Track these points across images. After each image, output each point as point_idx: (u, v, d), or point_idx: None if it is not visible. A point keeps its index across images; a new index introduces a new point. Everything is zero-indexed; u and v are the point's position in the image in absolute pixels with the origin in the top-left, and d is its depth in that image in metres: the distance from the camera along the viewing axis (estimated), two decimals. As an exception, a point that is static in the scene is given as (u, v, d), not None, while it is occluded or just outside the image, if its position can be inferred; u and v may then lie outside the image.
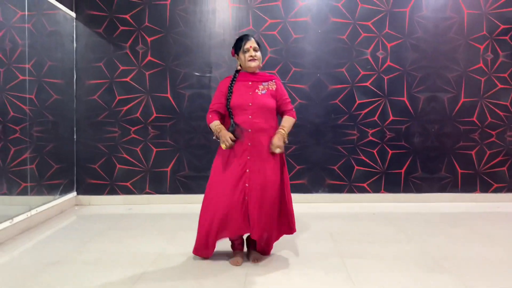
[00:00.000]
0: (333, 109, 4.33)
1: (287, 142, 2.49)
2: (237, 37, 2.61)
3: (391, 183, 4.39)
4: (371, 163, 4.37)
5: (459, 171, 4.42)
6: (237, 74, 2.51)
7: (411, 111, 4.37)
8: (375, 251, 2.78)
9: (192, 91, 4.26)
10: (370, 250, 2.79)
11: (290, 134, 4.31)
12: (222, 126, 2.46)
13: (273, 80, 2.54)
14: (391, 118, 4.36)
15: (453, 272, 2.39)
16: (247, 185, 2.39)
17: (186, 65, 4.24)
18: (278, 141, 2.41)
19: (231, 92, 2.45)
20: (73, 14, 4.13)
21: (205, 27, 4.24)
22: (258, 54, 2.49)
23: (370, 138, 4.36)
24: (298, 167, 4.32)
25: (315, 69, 4.30)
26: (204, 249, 2.49)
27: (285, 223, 2.56)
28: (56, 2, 3.80)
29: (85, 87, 4.21)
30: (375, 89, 4.34)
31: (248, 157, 2.40)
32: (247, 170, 2.39)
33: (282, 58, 4.27)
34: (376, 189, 4.38)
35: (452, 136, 4.40)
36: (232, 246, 2.61)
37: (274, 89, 2.52)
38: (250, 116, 2.41)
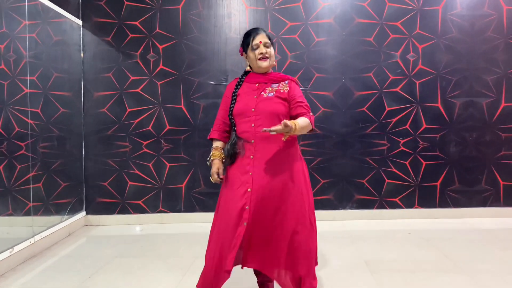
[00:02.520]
0: (361, 118, 4.00)
1: (292, 133, 1.82)
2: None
3: (426, 197, 4.04)
4: (403, 176, 4.03)
5: (501, 183, 4.03)
6: (244, 76, 2.13)
7: (446, 118, 4.01)
8: (422, 284, 2.43)
9: (207, 101, 3.97)
10: (415, 284, 2.43)
11: (313, 145, 4.08)
12: (217, 154, 2.09)
13: (286, 81, 2.08)
14: (424, 126, 4.01)
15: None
16: (247, 207, 1.92)
17: (200, 74, 3.97)
18: (278, 127, 1.77)
19: (235, 98, 2.07)
20: (80, 22, 3.93)
21: (220, 32, 3.96)
22: (270, 50, 2.05)
23: (402, 148, 4.02)
24: (323, 181, 3.99)
25: (339, 75, 3.98)
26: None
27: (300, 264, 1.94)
28: (61, 10, 3.62)
29: (94, 99, 3.98)
30: (406, 95, 4.00)
31: (250, 173, 1.96)
32: (249, 189, 1.93)
33: (303, 63, 3.95)
34: (409, 204, 4.03)
35: (492, 144, 4.03)
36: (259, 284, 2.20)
37: (286, 91, 2.03)
38: (252, 125, 1.98)
